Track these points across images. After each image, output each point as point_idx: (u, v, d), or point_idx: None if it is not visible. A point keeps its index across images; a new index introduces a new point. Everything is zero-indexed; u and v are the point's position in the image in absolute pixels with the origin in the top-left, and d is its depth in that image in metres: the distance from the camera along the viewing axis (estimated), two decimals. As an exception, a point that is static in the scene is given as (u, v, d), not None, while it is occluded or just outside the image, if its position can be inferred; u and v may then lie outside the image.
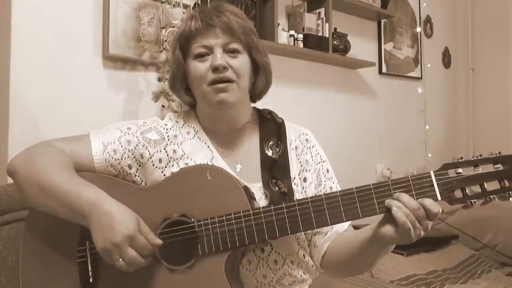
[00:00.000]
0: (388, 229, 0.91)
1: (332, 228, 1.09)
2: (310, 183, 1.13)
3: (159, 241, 0.94)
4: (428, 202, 0.89)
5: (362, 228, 1.04)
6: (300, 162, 1.14)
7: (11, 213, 1.23)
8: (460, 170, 0.92)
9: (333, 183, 1.16)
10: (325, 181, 1.15)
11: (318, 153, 1.17)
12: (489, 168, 0.91)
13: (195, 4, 2.02)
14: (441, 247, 2.48)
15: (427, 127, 3.26)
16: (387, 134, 3.08)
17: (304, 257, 1.10)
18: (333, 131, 2.71)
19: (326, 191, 1.13)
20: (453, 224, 2.67)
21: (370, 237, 0.96)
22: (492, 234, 2.60)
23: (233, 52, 1.07)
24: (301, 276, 1.09)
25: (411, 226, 0.88)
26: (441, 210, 0.90)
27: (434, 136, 3.36)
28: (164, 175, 1.08)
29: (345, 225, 1.11)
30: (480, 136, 3.58)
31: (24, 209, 1.19)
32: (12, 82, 1.63)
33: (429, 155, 3.25)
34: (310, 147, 1.17)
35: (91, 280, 1.00)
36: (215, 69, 1.04)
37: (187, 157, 1.09)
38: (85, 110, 1.79)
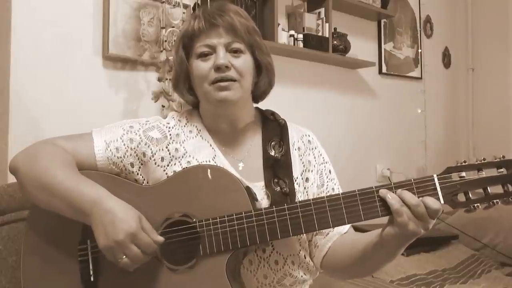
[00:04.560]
0: (389, 228, 0.92)
1: (333, 229, 1.09)
2: (312, 184, 1.13)
3: (161, 238, 0.94)
4: (429, 199, 0.89)
5: (367, 232, 1.04)
6: (302, 163, 1.14)
7: (11, 213, 1.22)
8: (463, 173, 0.91)
9: (335, 184, 1.16)
10: (327, 182, 1.15)
11: (320, 155, 1.17)
12: (492, 172, 0.91)
13: (195, 4, 2.02)
14: (441, 247, 2.49)
15: (427, 127, 3.27)
16: (387, 134, 3.08)
17: (305, 258, 1.10)
18: (333, 131, 2.71)
19: (328, 191, 1.14)
20: (453, 224, 2.67)
21: (375, 242, 0.96)
22: (492, 234, 2.60)
23: (236, 52, 1.07)
24: (301, 276, 1.09)
25: (406, 217, 0.88)
26: (441, 207, 0.89)
27: (434, 136, 3.36)
28: (166, 173, 1.08)
29: (347, 226, 1.11)
30: (480, 136, 3.57)
31: (24, 209, 1.19)
32: (12, 82, 1.63)
33: (429, 155, 3.25)
34: (312, 148, 1.17)
35: (92, 278, 1.00)
36: (217, 68, 1.04)
37: (189, 156, 1.09)
38: (85, 110, 1.78)
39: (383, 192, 0.92)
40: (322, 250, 1.09)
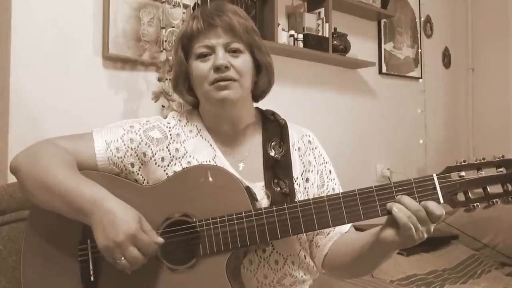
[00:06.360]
0: (389, 232, 0.91)
1: (334, 228, 1.09)
2: (312, 184, 1.13)
3: (161, 240, 0.94)
4: (431, 204, 0.89)
5: (365, 231, 1.04)
6: (303, 163, 1.14)
7: (11, 213, 1.22)
8: (463, 173, 0.91)
9: (335, 184, 1.16)
10: (327, 182, 1.15)
11: (321, 155, 1.18)
12: (492, 171, 0.91)
13: (195, 4, 2.02)
14: (441, 247, 2.49)
15: (427, 127, 3.26)
16: (387, 134, 3.08)
17: (305, 258, 1.10)
18: (333, 131, 2.71)
19: (328, 191, 1.14)
20: (453, 224, 2.67)
21: (372, 242, 0.96)
22: (492, 234, 2.60)
23: (235, 52, 1.07)
24: (302, 276, 1.09)
25: (412, 227, 0.88)
26: (444, 213, 0.89)
27: (434, 136, 3.36)
28: (167, 173, 1.08)
29: (348, 225, 1.11)
30: (480, 136, 3.57)
31: (24, 209, 1.19)
32: (12, 82, 1.63)
33: (429, 155, 3.25)
34: (313, 149, 1.17)
35: (92, 278, 1.00)
36: (217, 68, 1.04)
37: (190, 156, 1.09)
38: (85, 110, 1.78)
39: (389, 205, 0.91)
40: (323, 250, 1.09)
